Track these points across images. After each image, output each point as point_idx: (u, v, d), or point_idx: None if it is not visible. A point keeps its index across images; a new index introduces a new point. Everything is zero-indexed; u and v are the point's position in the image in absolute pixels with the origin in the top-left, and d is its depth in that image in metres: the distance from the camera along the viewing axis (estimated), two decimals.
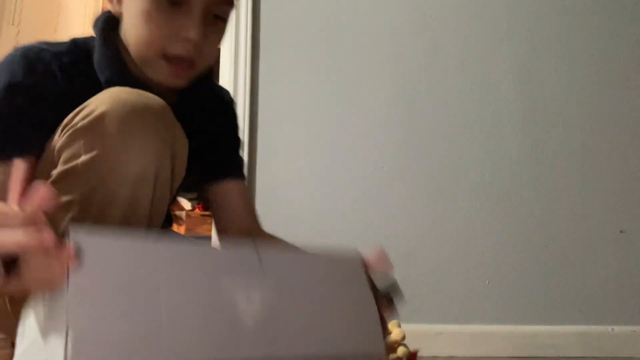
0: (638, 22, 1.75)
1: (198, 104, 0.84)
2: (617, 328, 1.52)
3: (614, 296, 1.56)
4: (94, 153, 0.58)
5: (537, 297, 1.55)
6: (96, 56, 0.73)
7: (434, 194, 1.62)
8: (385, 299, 0.55)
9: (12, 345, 0.88)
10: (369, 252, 0.56)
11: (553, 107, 1.69)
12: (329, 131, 1.66)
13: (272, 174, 1.63)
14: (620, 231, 1.61)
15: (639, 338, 1.51)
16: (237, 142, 0.96)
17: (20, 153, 0.64)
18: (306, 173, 1.63)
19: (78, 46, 0.75)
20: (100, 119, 0.58)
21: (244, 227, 0.87)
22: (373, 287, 0.58)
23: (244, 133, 1.63)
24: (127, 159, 0.59)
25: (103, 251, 0.41)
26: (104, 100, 0.60)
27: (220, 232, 0.89)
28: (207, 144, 0.87)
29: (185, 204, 2.66)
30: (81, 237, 0.40)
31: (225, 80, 1.69)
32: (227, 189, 0.88)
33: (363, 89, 1.69)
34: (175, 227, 2.67)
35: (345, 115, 1.67)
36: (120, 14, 0.73)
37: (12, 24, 1.93)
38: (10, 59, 0.69)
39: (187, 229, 2.85)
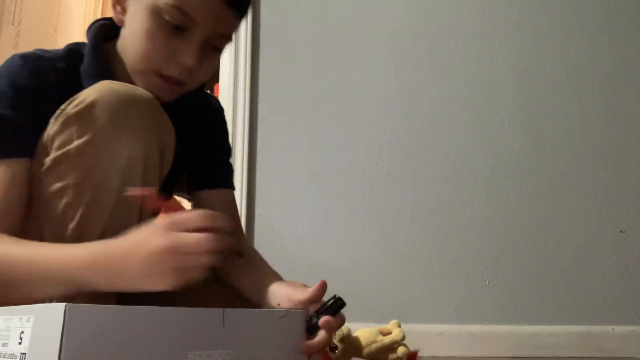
0: (638, 22, 1.76)
1: (185, 111, 0.85)
2: (617, 328, 1.52)
3: (614, 296, 1.56)
4: (86, 138, 0.61)
5: (537, 297, 1.55)
6: (83, 65, 0.75)
7: (434, 194, 1.62)
8: (331, 313, 0.63)
9: None
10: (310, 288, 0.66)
11: (553, 107, 1.69)
12: (329, 131, 1.66)
13: (272, 174, 1.63)
14: (620, 231, 1.61)
15: (639, 338, 1.51)
16: (225, 150, 0.96)
17: (20, 153, 0.67)
18: (306, 173, 1.63)
19: (72, 52, 0.77)
20: (91, 105, 0.61)
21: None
22: (321, 308, 0.64)
23: (244, 133, 1.63)
24: (117, 143, 0.62)
25: (97, 317, 0.44)
26: (95, 90, 0.62)
27: None
28: (195, 151, 0.89)
29: (185, 204, 2.66)
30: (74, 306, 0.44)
31: (225, 80, 1.69)
32: (212, 198, 0.90)
33: (363, 89, 1.69)
34: None
35: (345, 115, 1.67)
36: (123, 23, 0.74)
37: (12, 24, 1.93)
38: (10, 64, 0.71)
39: None
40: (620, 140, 1.67)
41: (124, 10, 0.73)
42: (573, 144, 1.67)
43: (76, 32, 2.47)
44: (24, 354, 0.45)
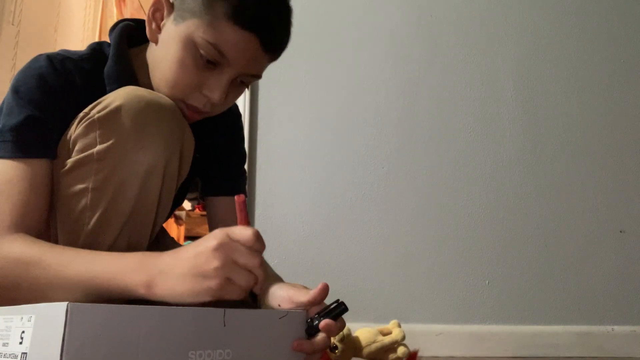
0: (638, 22, 1.76)
1: (205, 118, 0.85)
2: (617, 328, 1.52)
3: (614, 296, 1.56)
4: (109, 143, 0.61)
5: (537, 297, 1.55)
6: (107, 68, 0.74)
7: (434, 194, 1.62)
8: (332, 317, 0.63)
9: None
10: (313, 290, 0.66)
11: (553, 107, 1.69)
12: (329, 131, 1.66)
13: (272, 174, 1.63)
14: (620, 231, 1.61)
15: (639, 338, 1.51)
16: (239, 156, 0.97)
17: (43, 154, 0.66)
18: (306, 173, 1.63)
19: (96, 53, 0.77)
20: (117, 111, 0.61)
21: None
22: (323, 311, 0.64)
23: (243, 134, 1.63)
24: (140, 150, 0.62)
25: (98, 316, 0.44)
26: (120, 95, 0.63)
27: None
28: (210, 157, 0.89)
29: (185, 204, 2.67)
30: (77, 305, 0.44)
31: None
32: (223, 203, 0.91)
33: (363, 89, 1.69)
34: (175, 227, 2.67)
35: (345, 115, 1.67)
36: (156, 41, 0.73)
37: (12, 24, 1.93)
38: (36, 64, 0.71)
39: (187, 229, 2.85)
40: (620, 140, 1.68)
41: (158, 29, 0.73)
42: (573, 144, 1.67)
43: (76, 32, 2.47)
44: (25, 353, 0.45)
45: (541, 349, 1.49)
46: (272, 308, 0.69)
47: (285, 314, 0.61)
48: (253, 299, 0.65)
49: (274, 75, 1.70)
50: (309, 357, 0.62)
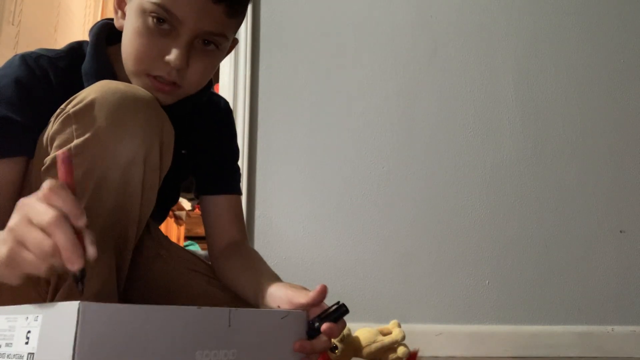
0: (638, 22, 1.76)
1: (191, 113, 0.85)
2: (617, 328, 1.52)
3: (614, 296, 1.56)
4: (85, 136, 0.60)
5: (537, 297, 1.55)
6: (85, 65, 0.75)
7: (434, 194, 1.62)
8: (333, 319, 0.62)
9: None
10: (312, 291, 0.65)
11: (553, 107, 1.69)
12: (329, 131, 1.66)
13: (272, 174, 1.63)
14: (620, 231, 1.61)
15: (639, 338, 1.51)
16: (231, 153, 0.96)
17: (18, 152, 0.67)
18: (306, 173, 1.63)
19: (74, 51, 0.77)
20: (91, 104, 0.60)
21: (230, 240, 0.88)
22: (324, 313, 0.63)
23: (244, 134, 1.63)
24: (118, 142, 0.61)
25: (108, 316, 0.44)
26: (95, 89, 0.62)
27: (208, 238, 0.91)
28: (201, 154, 0.89)
29: (185, 204, 2.67)
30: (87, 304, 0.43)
31: (225, 80, 1.69)
32: (218, 202, 0.90)
33: (363, 89, 1.69)
34: (175, 227, 2.67)
35: (345, 115, 1.67)
36: (122, 28, 0.74)
37: (12, 24, 1.93)
38: (11, 64, 0.71)
39: (187, 229, 2.85)
40: (620, 140, 1.68)
41: (124, 15, 0.73)
42: (573, 144, 1.67)
43: (76, 32, 2.47)
44: (32, 354, 0.45)
45: (541, 349, 1.49)
46: (271, 308, 0.69)
47: (286, 314, 0.61)
48: (77, 280, 0.51)
49: (274, 75, 1.70)
50: (308, 357, 0.62)
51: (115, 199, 0.63)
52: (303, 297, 0.64)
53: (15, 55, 0.72)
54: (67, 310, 0.42)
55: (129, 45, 0.71)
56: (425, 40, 1.73)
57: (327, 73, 1.70)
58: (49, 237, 0.44)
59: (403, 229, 1.59)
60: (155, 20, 0.67)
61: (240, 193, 0.94)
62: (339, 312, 0.63)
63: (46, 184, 0.45)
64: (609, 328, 1.52)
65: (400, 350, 1.08)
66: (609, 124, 1.68)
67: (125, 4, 0.73)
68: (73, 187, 0.47)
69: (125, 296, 0.69)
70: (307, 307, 0.64)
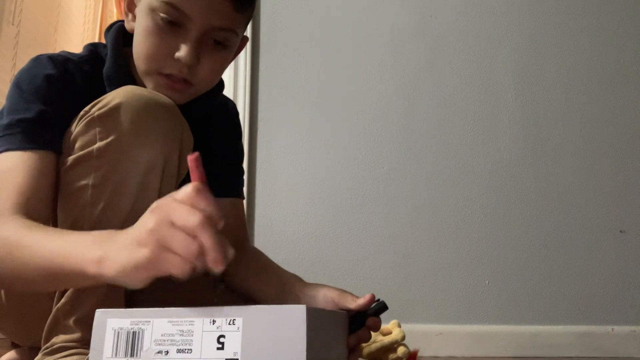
0: (638, 22, 1.76)
1: (202, 116, 0.85)
2: (617, 328, 1.52)
3: (614, 296, 1.56)
4: (108, 140, 0.62)
5: (537, 297, 1.55)
6: (105, 69, 0.76)
7: (434, 194, 1.62)
8: (375, 315, 0.70)
9: (12, 345, 0.88)
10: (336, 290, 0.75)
11: (553, 107, 1.69)
12: (329, 131, 1.66)
13: (272, 174, 1.63)
14: (620, 231, 1.61)
15: (639, 338, 1.51)
16: (237, 156, 0.97)
17: (51, 147, 0.67)
18: (306, 173, 1.63)
19: (94, 55, 0.78)
20: (116, 109, 0.62)
21: (235, 242, 0.89)
22: (359, 313, 0.69)
23: (244, 134, 1.63)
24: (139, 148, 0.62)
25: (317, 318, 0.50)
26: (120, 94, 0.63)
27: None
28: (208, 156, 0.89)
29: None
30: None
31: (225, 80, 1.69)
32: (222, 205, 0.90)
33: (363, 89, 1.69)
34: None
35: (345, 115, 1.67)
36: (133, 29, 0.75)
37: (12, 24, 1.93)
38: (39, 62, 0.72)
39: None
40: (620, 140, 1.68)
41: (134, 17, 0.74)
42: (573, 144, 1.67)
43: (76, 32, 2.47)
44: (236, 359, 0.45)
45: (541, 349, 1.49)
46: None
47: (347, 315, 0.68)
48: (216, 283, 0.56)
49: (274, 75, 1.70)
50: (353, 351, 0.67)
51: (131, 203, 0.64)
52: (350, 302, 0.69)
53: (41, 55, 0.73)
54: (294, 314, 0.45)
55: (139, 46, 0.72)
56: (425, 40, 1.73)
57: (327, 73, 1.70)
58: (194, 240, 0.43)
59: (403, 229, 1.59)
60: (164, 18, 0.68)
61: (243, 197, 0.95)
62: (382, 309, 0.70)
63: (190, 187, 0.46)
64: (609, 328, 1.52)
65: (400, 350, 1.07)
66: (609, 124, 1.68)
67: (135, 6, 0.74)
68: (207, 188, 0.47)
69: (128, 296, 0.69)
70: (352, 312, 0.69)
